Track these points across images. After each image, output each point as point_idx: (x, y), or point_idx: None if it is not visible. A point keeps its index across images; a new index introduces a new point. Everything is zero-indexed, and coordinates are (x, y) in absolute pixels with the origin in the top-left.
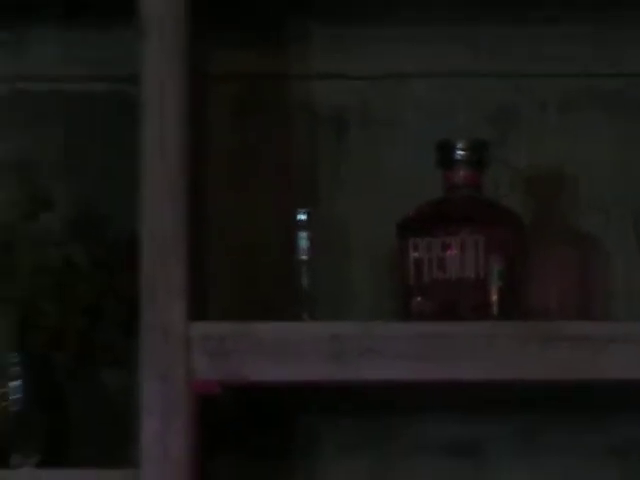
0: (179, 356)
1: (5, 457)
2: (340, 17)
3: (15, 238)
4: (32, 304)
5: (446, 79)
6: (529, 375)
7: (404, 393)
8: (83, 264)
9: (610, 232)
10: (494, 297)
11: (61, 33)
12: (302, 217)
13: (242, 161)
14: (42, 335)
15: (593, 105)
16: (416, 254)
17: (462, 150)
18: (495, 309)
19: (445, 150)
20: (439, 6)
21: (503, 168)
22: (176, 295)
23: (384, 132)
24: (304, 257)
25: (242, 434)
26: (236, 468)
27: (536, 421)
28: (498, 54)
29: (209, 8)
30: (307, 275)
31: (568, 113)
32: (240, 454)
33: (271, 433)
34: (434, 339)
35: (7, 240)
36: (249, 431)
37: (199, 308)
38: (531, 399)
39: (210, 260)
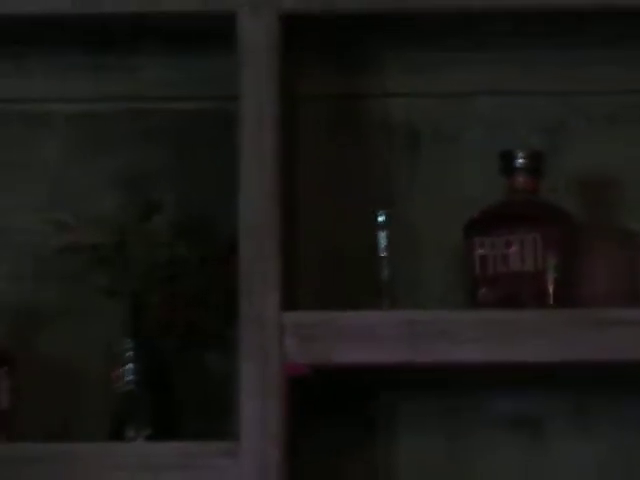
0: (273, 342)
1: (121, 431)
2: (412, 43)
3: (130, 238)
4: (144, 296)
5: (505, 97)
6: (581, 356)
7: (472, 372)
8: (189, 261)
9: None
10: (550, 287)
11: (171, 59)
12: (381, 219)
13: (328, 169)
14: (152, 323)
15: (635, 118)
16: (481, 251)
17: (521, 159)
18: (551, 298)
19: (507, 159)
20: (498, 34)
21: (557, 174)
22: (271, 288)
23: (452, 143)
24: (383, 254)
25: (330, 410)
26: (324, 441)
27: (588, 397)
28: (550, 74)
29: (299, 37)
30: (386, 269)
31: (613, 125)
32: (328, 428)
33: (355, 409)
34: (498, 325)
35: (123, 240)
36: (335, 407)
37: (291, 299)
38: (584, 378)
39: (301, 256)
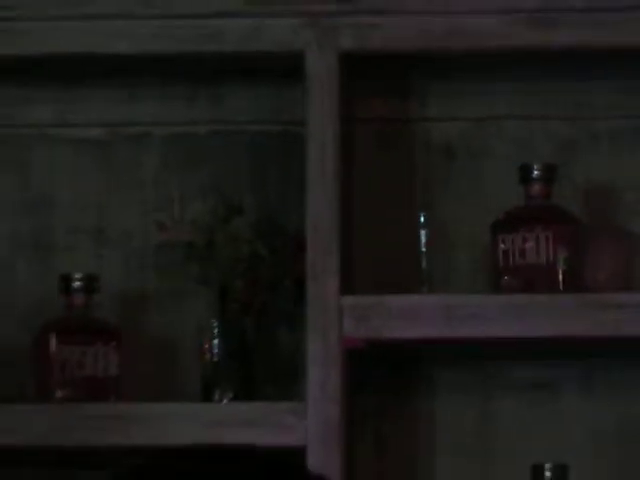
0: (333, 320)
1: (209, 394)
2: (448, 75)
3: (216, 237)
4: (228, 284)
5: (525, 120)
6: (586, 332)
7: (497, 345)
8: (265, 254)
9: None
10: (560, 276)
11: (249, 88)
12: (422, 219)
13: (378, 179)
14: (235, 306)
15: (633, 137)
16: (504, 246)
17: (537, 171)
18: (561, 285)
19: (525, 171)
20: (519, 69)
21: (567, 183)
22: (332, 275)
23: (480, 158)
24: (423, 249)
25: (380, 377)
26: (375, 404)
27: (594, 367)
28: (562, 102)
29: (355, 70)
30: (425, 261)
31: (614, 144)
32: (378, 392)
33: (400, 377)
34: (517, 306)
35: (211, 238)
36: (385, 374)
37: (348, 285)
38: (590, 350)
39: (357, 250)
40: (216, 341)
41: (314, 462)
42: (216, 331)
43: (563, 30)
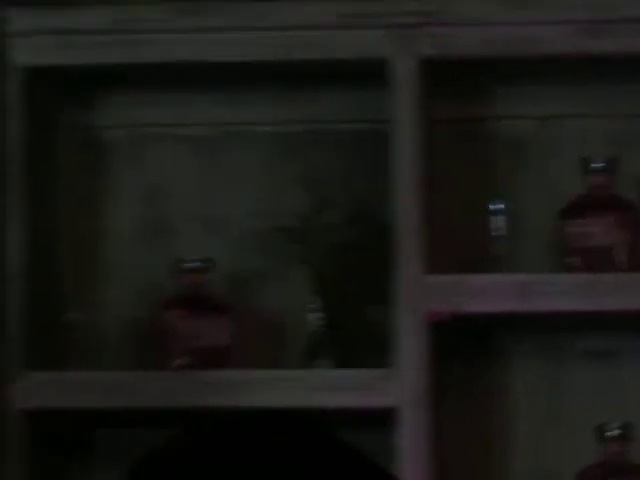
0: (420, 297)
1: (311, 362)
2: (518, 79)
3: (312, 224)
4: (325, 265)
5: (587, 118)
6: None
7: (565, 318)
8: (356, 240)
9: None
10: (622, 257)
11: (340, 91)
12: (496, 207)
13: (457, 172)
14: (331, 284)
15: None
16: (570, 230)
17: (597, 163)
18: (621, 264)
19: (586, 163)
20: (580, 73)
21: (624, 174)
22: (418, 257)
23: (547, 152)
24: (499, 233)
25: (462, 346)
26: (457, 372)
27: None
28: (614, 101)
29: (433, 72)
30: (501, 244)
31: None
32: (460, 362)
33: (479, 346)
34: (583, 284)
35: (305, 228)
36: (466, 344)
37: (432, 266)
38: None
39: (438, 234)
40: (316, 315)
41: (404, 423)
42: (316, 307)
43: (613, 39)
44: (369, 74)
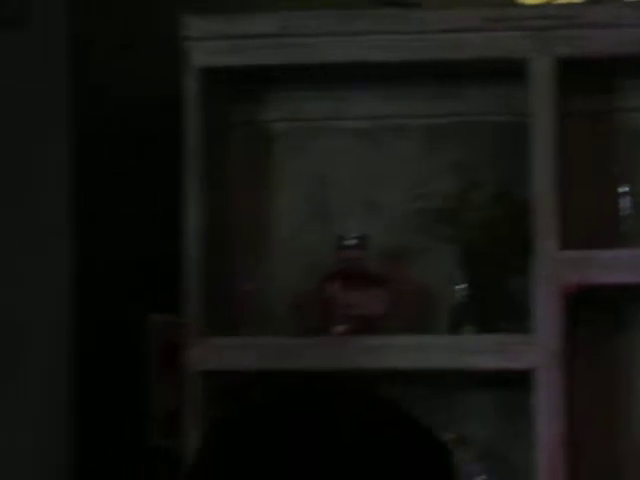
0: (555, 270)
1: (456, 329)
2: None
3: (461, 205)
4: (472, 241)
5: None
6: None
7: None
8: (500, 218)
9: None
10: None
11: (483, 87)
12: (624, 189)
13: (588, 158)
14: (475, 259)
15: None
16: None
17: None
18: None
19: None
20: None
21: None
22: (553, 235)
23: None
24: (626, 212)
25: (591, 317)
26: (584, 336)
27: None
28: None
29: (568, 70)
30: (628, 223)
31: None
32: (587, 328)
33: (607, 313)
34: None
35: (453, 209)
36: (595, 314)
37: (565, 243)
38: None
39: (571, 214)
40: (461, 287)
41: (540, 383)
42: (461, 279)
43: None
44: (510, 72)
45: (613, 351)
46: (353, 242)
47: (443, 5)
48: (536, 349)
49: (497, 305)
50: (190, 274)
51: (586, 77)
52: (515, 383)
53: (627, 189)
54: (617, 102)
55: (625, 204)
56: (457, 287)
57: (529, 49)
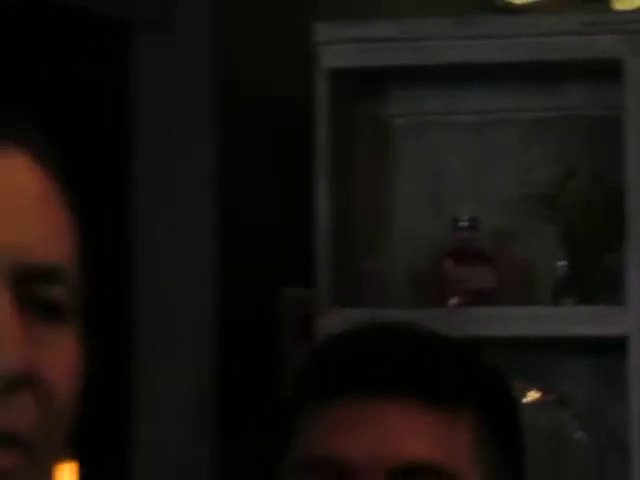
0: None
1: (558, 300)
2: None
3: (560, 190)
4: (569, 225)
5: None
6: None
7: None
8: (595, 203)
9: None
10: None
11: (580, 83)
12: None
13: None
14: (577, 238)
15: None
16: None
17: None
18: None
19: None
20: None
21: None
22: None
23: None
24: None
25: None
26: None
27: None
28: None
29: None
30: None
31: None
32: None
33: None
34: None
35: (555, 193)
36: None
37: None
38: None
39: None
40: (562, 263)
41: (634, 349)
42: (562, 256)
43: None
44: (606, 71)
45: None
46: (466, 224)
47: (546, 11)
48: (629, 318)
49: (594, 279)
50: (321, 254)
51: None
52: (611, 349)
53: None
54: None
55: None
56: (559, 263)
57: (624, 51)
